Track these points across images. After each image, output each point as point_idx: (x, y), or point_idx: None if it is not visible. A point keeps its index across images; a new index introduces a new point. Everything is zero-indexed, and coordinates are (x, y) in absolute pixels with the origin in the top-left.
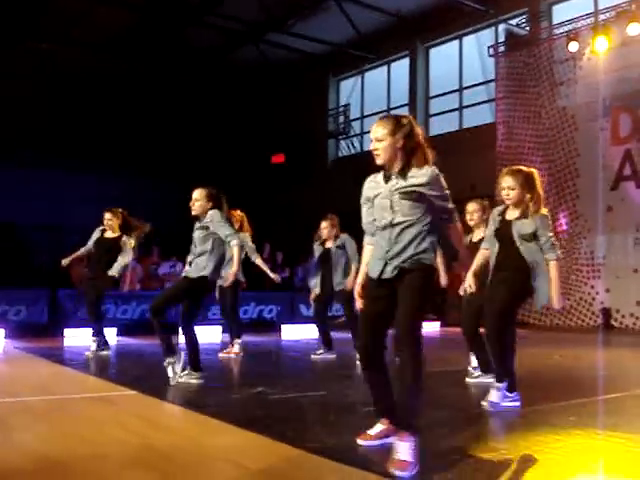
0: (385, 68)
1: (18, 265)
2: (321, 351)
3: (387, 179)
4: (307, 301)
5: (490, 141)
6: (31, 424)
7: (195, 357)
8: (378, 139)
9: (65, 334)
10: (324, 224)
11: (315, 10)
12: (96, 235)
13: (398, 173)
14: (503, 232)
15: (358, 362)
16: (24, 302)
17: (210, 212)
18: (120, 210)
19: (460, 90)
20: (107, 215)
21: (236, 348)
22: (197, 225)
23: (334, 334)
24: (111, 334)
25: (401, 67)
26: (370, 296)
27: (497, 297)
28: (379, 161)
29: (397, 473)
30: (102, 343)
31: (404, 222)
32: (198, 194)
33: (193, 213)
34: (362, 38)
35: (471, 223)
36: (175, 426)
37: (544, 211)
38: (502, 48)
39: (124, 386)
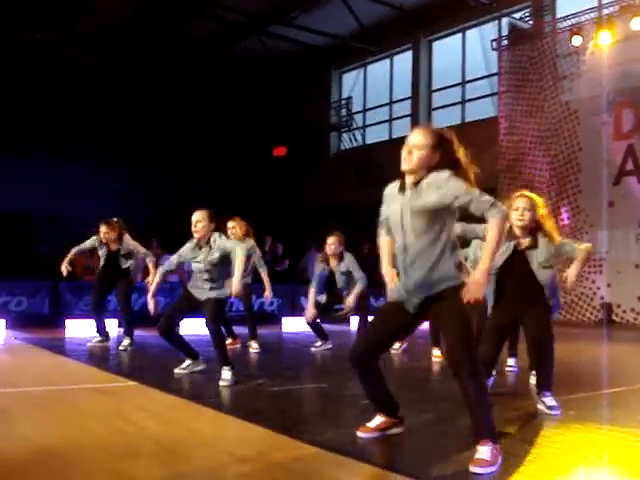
0: (388, 61)
1: (20, 256)
2: (319, 343)
3: (402, 193)
4: (307, 293)
5: (492, 135)
6: (32, 414)
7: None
8: (417, 147)
9: (66, 325)
10: (332, 240)
11: (318, 2)
12: (103, 250)
13: (414, 184)
14: (516, 265)
15: None
16: (25, 293)
17: (214, 235)
18: (116, 220)
19: (463, 84)
20: (103, 228)
21: (255, 345)
22: (201, 251)
23: (334, 327)
24: (112, 326)
25: (404, 60)
26: (385, 316)
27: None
28: (405, 166)
29: (476, 470)
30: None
31: (417, 246)
32: (200, 215)
33: (197, 236)
34: (365, 31)
35: None
36: (176, 417)
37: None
38: (505, 42)
39: (125, 377)
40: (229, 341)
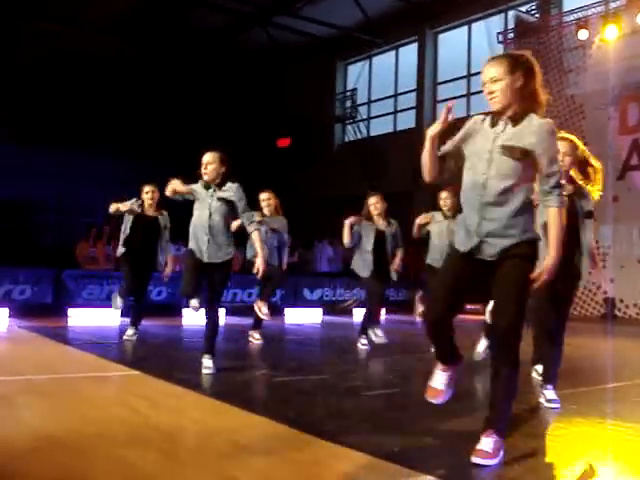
0: (393, 53)
1: (23, 244)
2: (378, 334)
3: (494, 123)
4: (311, 285)
5: None
6: (34, 402)
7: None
8: (495, 79)
9: (69, 314)
10: (374, 199)
11: None
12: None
13: (508, 118)
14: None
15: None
16: (29, 281)
17: (230, 184)
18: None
19: (468, 76)
20: (148, 187)
21: (257, 335)
22: (211, 195)
23: (336, 319)
24: (115, 314)
25: (409, 52)
26: (452, 269)
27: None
28: (496, 106)
29: (476, 460)
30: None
31: (500, 186)
32: (211, 157)
33: (206, 178)
34: (370, 22)
35: None
36: (177, 406)
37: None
38: (511, 35)
39: (127, 366)
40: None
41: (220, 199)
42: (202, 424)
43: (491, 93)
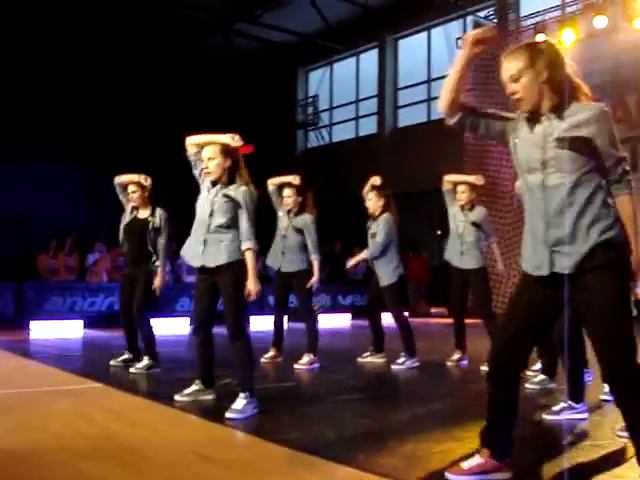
0: (354, 59)
1: None
2: (403, 359)
3: (533, 124)
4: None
5: (458, 133)
6: None
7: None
8: (514, 78)
9: (31, 327)
10: (366, 189)
11: (283, 0)
12: (131, 217)
13: (550, 112)
14: None
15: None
16: None
17: (241, 188)
18: (146, 179)
19: (428, 82)
20: (132, 187)
21: None
22: (213, 192)
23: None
24: (78, 326)
25: (370, 58)
26: (521, 299)
27: None
28: (523, 108)
29: (447, 474)
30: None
31: (559, 184)
32: (212, 152)
33: (211, 178)
34: (331, 29)
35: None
36: (140, 418)
37: None
38: None
39: (90, 379)
40: (271, 353)
41: (225, 196)
42: (165, 436)
43: (513, 94)
